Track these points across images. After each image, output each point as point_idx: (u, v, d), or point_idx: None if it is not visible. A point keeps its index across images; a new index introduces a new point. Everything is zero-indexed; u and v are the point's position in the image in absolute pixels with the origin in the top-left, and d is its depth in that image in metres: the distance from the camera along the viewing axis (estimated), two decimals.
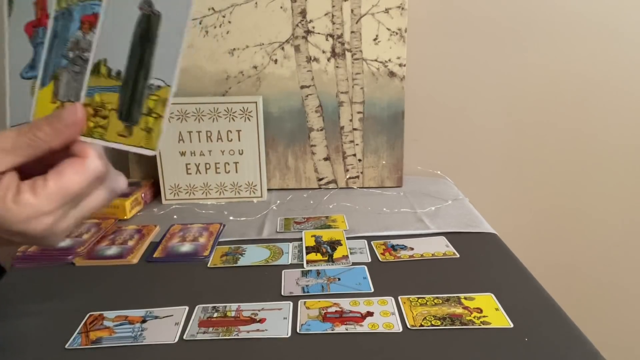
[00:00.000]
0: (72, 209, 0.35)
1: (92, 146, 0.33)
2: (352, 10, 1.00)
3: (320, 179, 1.09)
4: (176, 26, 0.32)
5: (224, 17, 1.01)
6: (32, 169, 0.35)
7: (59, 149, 0.34)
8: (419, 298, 0.63)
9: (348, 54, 1.02)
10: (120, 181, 0.37)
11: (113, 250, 0.79)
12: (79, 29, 0.33)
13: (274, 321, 0.59)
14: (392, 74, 1.03)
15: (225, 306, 0.62)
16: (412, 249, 0.78)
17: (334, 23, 1.01)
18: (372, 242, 0.81)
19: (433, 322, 0.58)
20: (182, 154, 0.99)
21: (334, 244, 0.80)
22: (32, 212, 0.32)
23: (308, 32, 1.02)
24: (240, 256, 0.77)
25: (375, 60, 1.03)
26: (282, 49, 1.02)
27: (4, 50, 0.35)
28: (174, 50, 0.32)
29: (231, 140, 0.99)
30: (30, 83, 0.35)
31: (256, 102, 0.97)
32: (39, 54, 0.35)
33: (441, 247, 0.78)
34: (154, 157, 0.99)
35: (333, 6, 1.00)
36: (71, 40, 0.33)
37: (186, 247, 0.80)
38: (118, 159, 1.15)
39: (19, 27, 0.35)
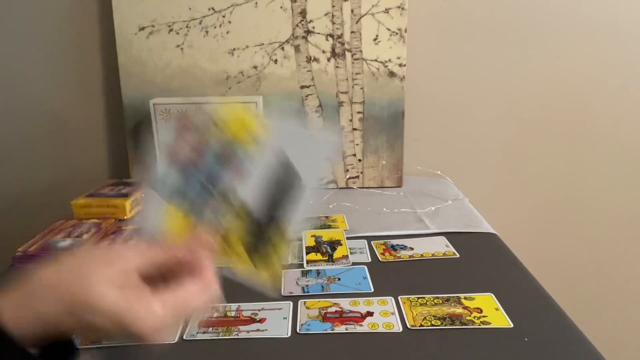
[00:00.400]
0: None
1: (214, 270, 0.36)
2: (352, 10, 1.00)
3: (320, 179, 1.09)
4: (308, 183, 0.38)
5: (224, 17, 1.01)
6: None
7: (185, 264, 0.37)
8: (419, 298, 0.63)
9: (348, 54, 1.02)
10: (218, 291, 0.38)
11: None
12: (220, 167, 0.38)
13: (274, 321, 0.59)
14: (392, 74, 1.03)
15: (225, 306, 0.62)
16: (412, 249, 0.78)
17: (334, 23, 1.01)
18: (372, 242, 0.81)
19: (433, 322, 0.58)
20: None
21: (334, 244, 0.80)
22: (156, 321, 0.35)
23: (308, 32, 1.02)
24: None
25: (375, 60, 1.03)
26: (282, 49, 1.02)
27: (151, 172, 0.43)
28: (302, 202, 0.37)
29: None
30: (168, 202, 0.41)
31: (256, 102, 0.97)
32: (180, 180, 0.40)
33: (441, 247, 0.78)
34: (154, 157, 0.99)
35: (333, 6, 1.00)
36: (212, 174, 0.38)
37: None
38: (118, 158, 1.15)
39: (165, 155, 0.42)
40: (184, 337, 0.56)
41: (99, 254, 0.37)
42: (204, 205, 0.38)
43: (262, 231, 0.37)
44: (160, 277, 0.38)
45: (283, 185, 0.38)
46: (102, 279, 0.34)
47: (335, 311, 0.61)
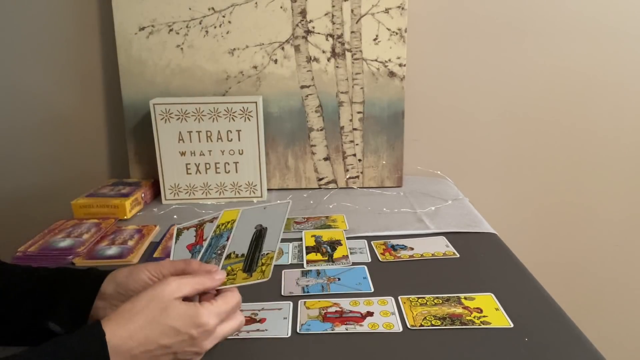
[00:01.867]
0: (220, 325, 0.48)
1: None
2: (352, 10, 1.00)
3: (320, 179, 1.09)
4: (276, 229, 0.56)
5: (224, 17, 1.01)
6: None
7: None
8: (419, 298, 0.63)
9: (348, 54, 1.02)
10: (244, 319, 0.52)
11: (113, 250, 0.79)
12: (226, 240, 0.57)
13: (274, 321, 0.59)
14: (392, 74, 1.03)
15: None
16: (412, 249, 0.78)
17: (334, 23, 1.01)
18: (372, 242, 0.81)
19: (433, 322, 0.58)
20: (182, 154, 0.99)
21: (334, 244, 0.80)
22: (213, 314, 0.47)
23: (308, 32, 1.02)
24: None
25: (375, 60, 1.03)
26: (282, 49, 1.02)
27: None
28: (276, 236, 0.56)
29: (231, 140, 0.99)
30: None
31: (256, 102, 0.97)
32: (195, 257, 0.57)
33: (441, 247, 0.78)
34: (154, 157, 0.99)
35: (333, 6, 1.00)
36: (219, 246, 0.57)
37: None
38: (118, 159, 1.15)
39: (183, 247, 0.58)
40: None
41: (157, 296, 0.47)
42: (215, 263, 0.55)
43: (251, 260, 0.55)
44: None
45: (259, 235, 0.57)
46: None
47: (336, 311, 0.61)
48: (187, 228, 0.59)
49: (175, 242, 0.58)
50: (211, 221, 0.59)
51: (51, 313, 0.51)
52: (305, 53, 1.03)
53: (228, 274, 0.54)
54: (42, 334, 0.51)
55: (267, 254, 0.55)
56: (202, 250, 0.57)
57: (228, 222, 0.58)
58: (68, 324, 0.51)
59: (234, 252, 0.56)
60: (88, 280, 0.54)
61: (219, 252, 0.56)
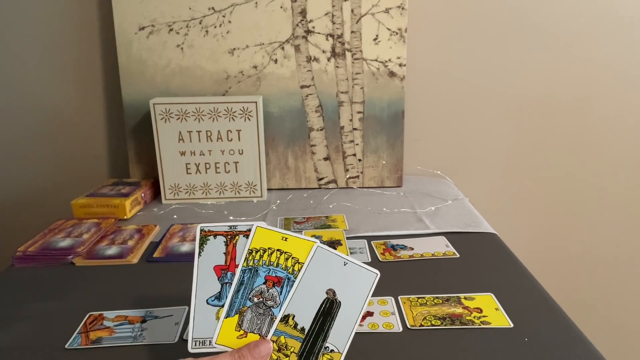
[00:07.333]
0: None
1: None
2: (352, 10, 1.00)
3: (320, 179, 1.09)
4: (352, 313, 0.44)
5: (224, 17, 1.01)
6: None
7: None
8: (419, 298, 0.63)
9: (348, 54, 1.02)
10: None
11: (113, 250, 0.79)
12: (264, 283, 0.45)
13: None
14: (392, 74, 1.03)
15: None
16: (412, 249, 0.78)
17: (334, 23, 1.01)
18: (372, 242, 0.81)
19: (433, 322, 0.58)
20: (182, 153, 0.99)
21: (334, 244, 0.80)
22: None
23: (308, 32, 1.02)
24: None
25: (375, 60, 1.03)
26: (282, 48, 1.02)
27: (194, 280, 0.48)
28: (348, 328, 0.44)
29: (231, 140, 0.99)
30: (215, 310, 0.46)
31: (256, 102, 0.97)
32: (225, 291, 0.46)
33: (441, 247, 0.78)
34: (154, 157, 0.99)
35: (333, 6, 1.00)
36: (256, 289, 0.45)
37: (186, 247, 0.80)
38: (118, 159, 1.15)
39: (209, 267, 0.47)
40: (184, 337, 0.56)
41: None
42: (251, 316, 0.44)
43: (311, 346, 0.44)
44: None
45: (328, 310, 0.45)
46: None
47: None
48: (214, 234, 0.47)
49: (200, 254, 0.47)
50: (245, 235, 0.47)
51: None
52: (305, 53, 1.03)
53: (280, 349, 0.44)
54: None
55: (330, 351, 0.44)
56: (233, 287, 0.46)
57: (267, 251, 0.46)
58: None
59: (294, 317, 0.44)
60: None
61: (256, 299, 0.45)
